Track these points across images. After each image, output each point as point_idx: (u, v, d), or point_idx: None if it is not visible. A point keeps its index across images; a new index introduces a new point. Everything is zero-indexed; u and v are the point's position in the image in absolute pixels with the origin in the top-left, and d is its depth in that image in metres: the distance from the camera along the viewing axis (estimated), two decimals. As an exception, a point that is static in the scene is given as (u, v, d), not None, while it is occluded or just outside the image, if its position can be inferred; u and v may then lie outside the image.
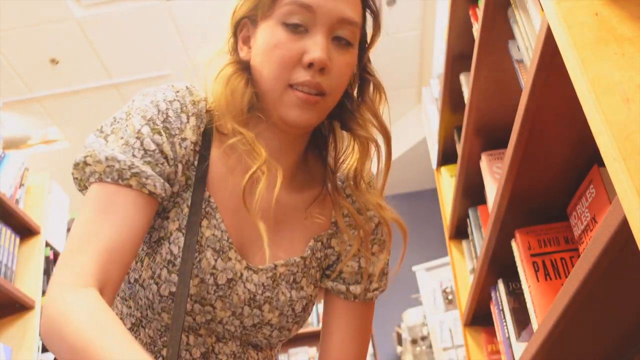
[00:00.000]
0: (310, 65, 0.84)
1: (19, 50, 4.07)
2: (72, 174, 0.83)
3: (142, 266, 0.86)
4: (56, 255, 2.88)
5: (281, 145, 0.91)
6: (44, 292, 2.70)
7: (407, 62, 4.62)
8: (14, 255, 2.59)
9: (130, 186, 0.81)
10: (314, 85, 0.85)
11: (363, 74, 0.97)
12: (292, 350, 5.09)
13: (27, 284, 2.59)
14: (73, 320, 0.70)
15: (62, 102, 4.55)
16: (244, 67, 0.91)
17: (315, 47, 0.84)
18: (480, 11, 1.35)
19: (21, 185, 2.76)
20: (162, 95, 0.87)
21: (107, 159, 0.81)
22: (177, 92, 0.88)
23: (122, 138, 0.83)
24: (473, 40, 1.46)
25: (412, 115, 5.09)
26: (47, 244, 2.80)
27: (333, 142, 0.98)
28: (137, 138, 0.83)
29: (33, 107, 4.56)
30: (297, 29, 0.85)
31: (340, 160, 0.97)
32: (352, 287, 0.98)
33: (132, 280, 0.88)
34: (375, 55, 0.98)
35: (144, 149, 0.82)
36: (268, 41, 0.87)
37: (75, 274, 0.75)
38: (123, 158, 0.81)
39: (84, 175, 0.82)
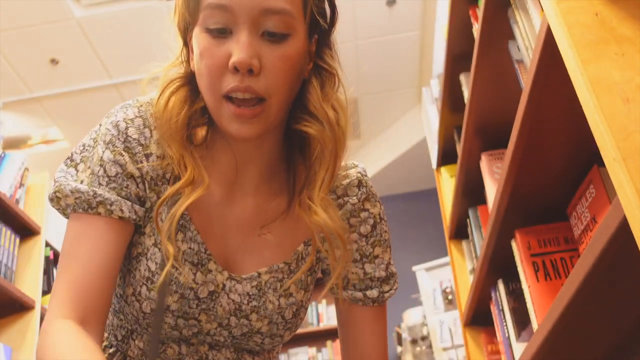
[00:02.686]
0: (236, 69, 0.77)
1: (19, 50, 4.07)
2: (53, 207, 0.85)
3: (124, 282, 0.86)
4: (56, 255, 2.88)
5: (246, 151, 0.86)
6: (44, 292, 2.70)
7: (407, 62, 4.61)
8: (14, 255, 2.59)
9: (99, 214, 0.81)
10: (244, 89, 0.77)
11: (317, 62, 0.87)
12: (292, 351, 5.10)
13: (27, 284, 2.59)
14: (46, 354, 0.73)
15: (62, 102, 4.55)
16: (190, 80, 0.86)
17: (237, 48, 0.77)
18: (480, 11, 1.35)
19: (21, 185, 2.76)
20: (123, 114, 0.85)
21: (72, 192, 0.82)
22: (140, 107, 0.86)
23: (89, 167, 0.84)
24: (473, 41, 1.46)
25: (412, 116, 5.09)
26: (47, 244, 2.80)
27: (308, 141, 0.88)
28: (100, 165, 0.83)
29: (33, 107, 4.56)
30: (220, 33, 0.78)
31: (313, 160, 0.87)
32: (368, 292, 0.93)
33: (118, 295, 0.88)
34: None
35: (108, 176, 0.83)
36: (196, 50, 0.81)
37: (55, 305, 0.77)
38: (86, 189, 0.82)
39: (61, 207, 0.84)
